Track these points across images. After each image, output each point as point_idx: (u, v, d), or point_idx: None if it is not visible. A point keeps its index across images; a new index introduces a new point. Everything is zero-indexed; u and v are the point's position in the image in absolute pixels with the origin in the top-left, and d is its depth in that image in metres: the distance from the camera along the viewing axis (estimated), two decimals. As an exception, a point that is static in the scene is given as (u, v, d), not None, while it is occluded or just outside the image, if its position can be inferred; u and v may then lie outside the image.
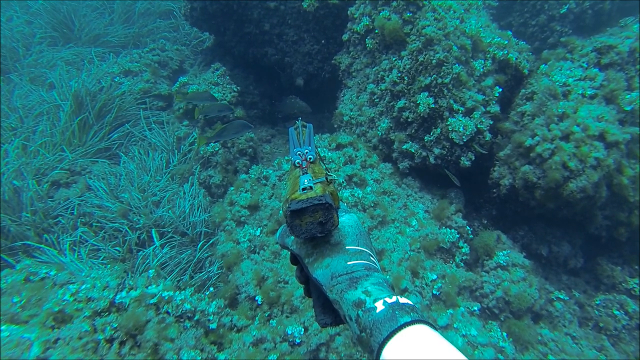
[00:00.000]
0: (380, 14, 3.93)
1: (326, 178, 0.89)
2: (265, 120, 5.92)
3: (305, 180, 0.85)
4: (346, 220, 0.87)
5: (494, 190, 3.56)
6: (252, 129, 4.53)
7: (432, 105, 3.35)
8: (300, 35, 5.12)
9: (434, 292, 3.00)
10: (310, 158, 0.97)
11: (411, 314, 0.64)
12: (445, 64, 3.36)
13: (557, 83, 3.21)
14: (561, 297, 3.17)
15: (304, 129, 1.15)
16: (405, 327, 0.62)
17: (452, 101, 3.32)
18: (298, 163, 0.96)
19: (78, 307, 1.87)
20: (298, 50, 5.23)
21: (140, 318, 1.91)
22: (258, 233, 3.26)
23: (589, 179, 2.79)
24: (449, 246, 3.20)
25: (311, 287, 0.88)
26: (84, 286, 2.07)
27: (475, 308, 2.96)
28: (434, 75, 3.36)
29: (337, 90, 4.90)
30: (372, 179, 3.55)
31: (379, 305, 0.66)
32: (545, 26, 5.52)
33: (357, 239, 0.84)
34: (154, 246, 3.74)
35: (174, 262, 3.79)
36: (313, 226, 0.79)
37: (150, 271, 2.39)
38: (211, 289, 2.74)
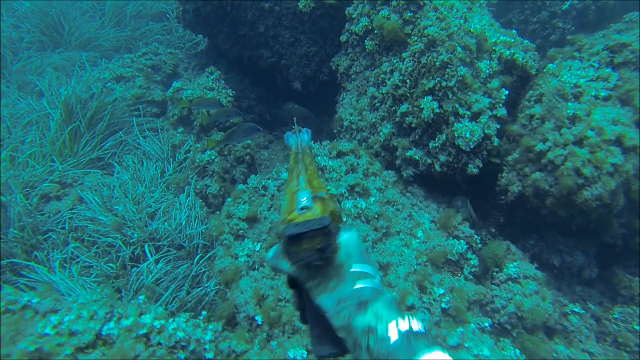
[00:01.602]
0: (379, 13, 3.77)
1: (326, 192, 0.82)
2: (262, 125, 5.73)
3: (304, 199, 0.78)
4: (348, 238, 0.80)
5: (502, 197, 3.41)
6: (261, 132, 4.40)
7: (437, 110, 3.19)
8: (297, 36, 4.95)
9: (443, 306, 2.85)
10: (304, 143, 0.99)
11: (425, 340, 0.62)
12: (449, 65, 3.20)
13: (568, 84, 3.05)
14: (576, 310, 3.01)
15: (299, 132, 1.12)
16: (421, 356, 0.59)
17: (457, 105, 3.17)
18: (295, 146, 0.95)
19: (59, 343, 1.72)
20: (294, 53, 5.07)
21: (128, 353, 1.76)
22: (257, 248, 3.11)
23: (605, 186, 2.64)
24: (457, 258, 3.05)
25: (308, 313, 0.81)
26: (67, 317, 1.91)
27: (487, 324, 2.82)
28: (438, 78, 3.20)
29: (336, 93, 4.74)
30: (375, 188, 3.39)
31: (393, 334, 0.63)
32: (546, 23, 5.38)
33: (360, 259, 0.78)
34: (148, 262, 3.58)
35: (170, 277, 3.64)
36: (311, 253, 0.72)
37: (140, 297, 2.24)
38: (204, 312, 2.57)
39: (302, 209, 0.76)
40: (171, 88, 5.33)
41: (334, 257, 0.76)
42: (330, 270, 0.76)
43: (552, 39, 5.29)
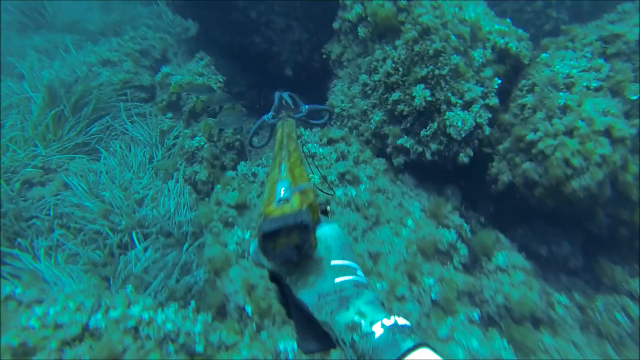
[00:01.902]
0: (374, 1, 3.70)
1: (308, 182, 0.79)
2: (252, 111, 5.66)
3: (282, 190, 0.75)
4: (328, 231, 0.78)
5: (492, 186, 3.42)
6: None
7: (429, 98, 3.16)
8: (289, 23, 4.85)
9: (432, 297, 2.87)
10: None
11: (412, 336, 0.59)
12: (442, 54, 3.16)
13: (560, 74, 3.05)
14: (562, 300, 3.07)
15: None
16: (408, 353, 0.57)
17: (449, 94, 3.14)
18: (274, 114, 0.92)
19: (45, 336, 1.68)
20: (286, 39, 4.97)
21: (116, 347, 1.72)
22: (247, 237, 3.08)
23: (593, 177, 2.66)
24: (446, 248, 3.07)
25: (292, 309, 0.78)
26: (53, 308, 1.86)
27: (475, 315, 2.85)
28: (431, 66, 3.17)
29: (328, 80, 4.67)
30: (365, 176, 3.37)
31: (377, 330, 0.61)
32: (541, 12, 5.37)
33: (341, 252, 0.75)
34: (136, 250, 3.53)
35: (159, 265, 3.59)
36: (288, 249, 0.69)
37: (128, 287, 2.20)
38: (193, 303, 2.54)
39: (279, 201, 0.73)
40: (160, 73, 5.21)
41: (312, 252, 0.74)
42: (309, 264, 0.74)
43: (546, 28, 5.27)
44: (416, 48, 3.28)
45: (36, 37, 6.36)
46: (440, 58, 3.15)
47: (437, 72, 3.13)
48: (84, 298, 2.06)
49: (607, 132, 2.71)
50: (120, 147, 4.64)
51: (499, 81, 3.32)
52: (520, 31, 3.71)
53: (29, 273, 3.28)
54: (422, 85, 3.20)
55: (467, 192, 3.68)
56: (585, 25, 3.91)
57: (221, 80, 5.21)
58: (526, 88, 3.27)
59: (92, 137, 4.77)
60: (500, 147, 3.35)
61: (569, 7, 5.09)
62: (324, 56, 4.53)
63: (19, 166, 4.11)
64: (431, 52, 3.17)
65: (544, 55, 3.54)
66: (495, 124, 3.42)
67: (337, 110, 4.07)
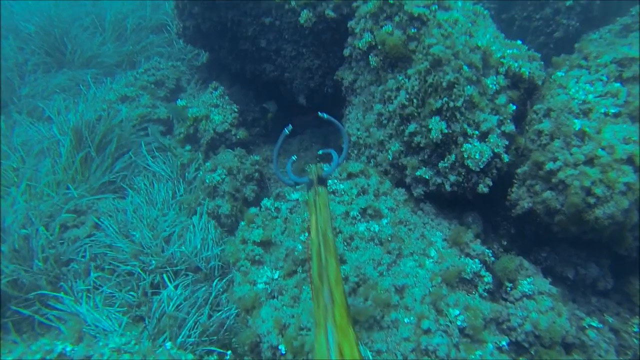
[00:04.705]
0: (383, 29, 3.75)
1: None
2: (268, 137, 5.78)
3: None
4: None
5: (512, 210, 3.44)
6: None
7: (445, 131, 3.20)
8: (299, 50, 4.94)
9: (459, 324, 2.91)
10: None
11: None
12: (456, 85, 3.19)
13: (576, 100, 3.05)
14: (594, 324, 3.05)
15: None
16: None
17: (465, 125, 3.17)
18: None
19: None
20: (297, 66, 5.06)
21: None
22: (276, 276, 3.18)
23: (618, 205, 2.66)
24: (471, 276, 3.10)
25: None
26: (103, 371, 2.00)
27: (504, 343, 2.88)
28: (445, 99, 3.21)
29: (341, 106, 4.74)
30: (386, 208, 3.43)
31: None
32: (550, 19, 5.33)
33: None
34: (168, 290, 3.68)
35: (190, 302, 3.73)
36: None
37: (167, 344, 2.32)
38: (229, 353, 2.64)
39: None
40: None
41: None
42: None
43: (556, 36, 5.23)
44: (429, 80, 3.32)
45: (59, 75, 6.64)
46: (454, 90, 3.18)
47: (451, 104, 3.17)
48: (129, 357, 2.19)
49: (629, 160, 2.70)
50: (144, 184, 4.81)
51: (514, 107, 3.33)
52: (531, 52, 3.70)
53: (73, 317, 3.46)
54: (438, 118, 3.24)
55: (488, 215, 3.70)
56: (598, 39, 3.89)
57: (236, 109, 5.35)
58: (542, 112, 3.27)
59: (117, 174, 4.96)
60: (519, 170, 3.36)
61: (579, 13, 5.04)
62: (338, 81, 4.60)
63: (55, 210, 4.32)
64: (444, 84, 3.20)
65: (558, 73, 3.53)
66: (511, 146, 3.43)
67: (353, 138, 4.14)
